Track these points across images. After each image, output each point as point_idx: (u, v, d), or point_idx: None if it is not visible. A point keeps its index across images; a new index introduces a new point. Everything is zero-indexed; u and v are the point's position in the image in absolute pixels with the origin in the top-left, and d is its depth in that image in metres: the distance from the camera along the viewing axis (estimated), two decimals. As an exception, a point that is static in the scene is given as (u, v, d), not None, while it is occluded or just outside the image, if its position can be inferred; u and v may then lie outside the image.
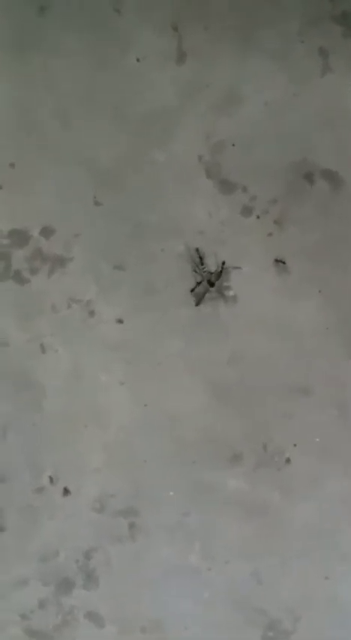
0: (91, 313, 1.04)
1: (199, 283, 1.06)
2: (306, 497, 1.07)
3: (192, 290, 1.07)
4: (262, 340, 1.09)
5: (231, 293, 1.10)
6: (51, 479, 1.00)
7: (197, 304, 1.05)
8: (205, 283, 1.05)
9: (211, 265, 1.09)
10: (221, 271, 1.07)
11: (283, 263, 1.08)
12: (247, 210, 1.12)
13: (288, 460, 1.07)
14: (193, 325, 1.08)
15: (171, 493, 1.02)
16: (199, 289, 1.06)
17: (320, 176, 1.15)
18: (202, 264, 1.06)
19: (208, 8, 1.15)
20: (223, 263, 1.07)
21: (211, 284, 1.05)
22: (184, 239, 1.09)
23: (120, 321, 1.05)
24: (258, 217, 1.12)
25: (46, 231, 1.05)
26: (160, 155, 1.10)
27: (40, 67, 1.07)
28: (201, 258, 1.07)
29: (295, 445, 1.07)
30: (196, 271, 1.07)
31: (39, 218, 1.05)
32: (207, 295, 1.08)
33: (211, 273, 1.06)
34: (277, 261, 1.10)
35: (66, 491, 1.01)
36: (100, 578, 1.01)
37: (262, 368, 1.09)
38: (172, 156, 1.11)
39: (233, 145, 1.14)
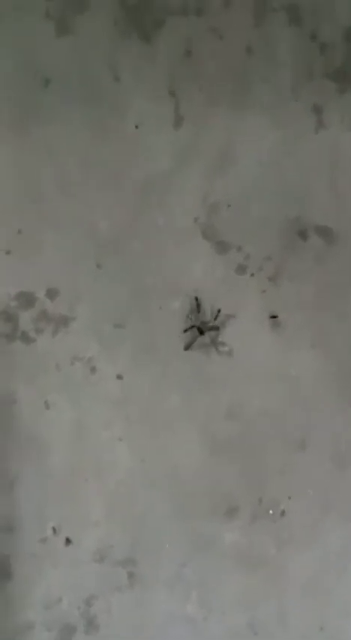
0: (93, 370, 1.11)
1: (191, 327, 1.10)
2: (302, 549, 1.10)
3: (184, 331, 1.11)
4: (258, 395, 1.14)
5: (226, 348, 1.14)
6: (54, 530, 1.07)
7: (186, 349, 1.10)
8: (195, 330, 1.10)
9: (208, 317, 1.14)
10: (216, 318, 1.12)
11: (276, 317, 1.13)
12: (241, 269, 1.17)
13: (283, 512, 1.10)
14: (190, 380, 1.13)
15: (167, 545, 1.07)
16: (191, 336, 1.11)
17: (314, 232, 1.20)
18: (199, 311, 1.11)
19: (203, 70, 1.21)
20: (219, 311, 1.11)
21: (201, 332, 1.10)
22: (181, 297, 1.14)
23: (120, 377, 1.11)
24: (252, 275, 1.17)
25: (51, 293, 1.12)
26: (158, 219, 1.17)
27: (43, 138, 1.14)
28: (198, 306, 1.12)
29: (289, 498, 1.11)
30: (189, 317, 1.12)
31: (44, 281, 1.12)
32: (203, 348, 1.13)
33: (204, 323, 1.10)
34: (271, 317, 1.14)
35: (68, 542, 1.07)
36: (101, 625, 1.06)
37: (258, 422, 1.14)
38: (170, 219, 1.17)
39: (229, 205, 1.19)
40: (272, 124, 1.22)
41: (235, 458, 1.10)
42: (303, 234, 1.19)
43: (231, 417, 1.12)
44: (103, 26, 1.20)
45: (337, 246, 1.19)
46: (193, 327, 1.10)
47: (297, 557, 1.08)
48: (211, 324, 1.11)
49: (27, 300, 1.11)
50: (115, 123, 1.19)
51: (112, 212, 1.15)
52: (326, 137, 1.23)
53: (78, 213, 1.15)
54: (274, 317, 1.14)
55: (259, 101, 1.22)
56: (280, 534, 1.08)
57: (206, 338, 1.13)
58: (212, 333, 1.13)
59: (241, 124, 1.21)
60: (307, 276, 1.18)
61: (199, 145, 1.20)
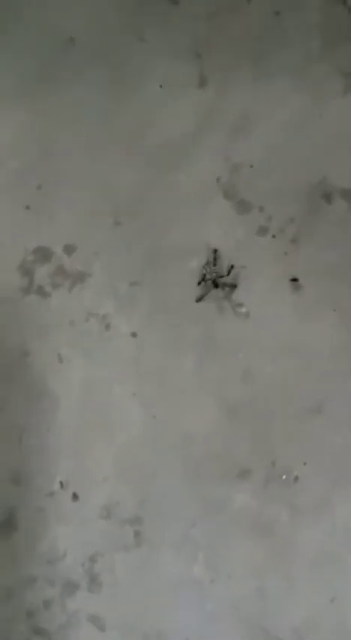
0: (107, 327, 1.09)
1: (204, 279, 1.08)
2: (314, 518, 1.06)
3: (198, 283, 1.09)
4: (275, 359, 1.11)
5: (243, 310, 1.11)
6: (61, 484, 1.05)
7: (198, 301, 1.08)
8: (210, 283, 1.07)
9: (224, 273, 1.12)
10: (229, 272, 1.09)
11: (296, 280, 1.09)
12: (262, 230, 1.14)
13: (297, 478, 1.06)
14: (205, 341, 1.11)
15: (176, 506, 1.04)
16: (205, 288, 1.08)
17: (339, 196, 1.16)
18: (215, 264, 1.09)
19: (230, 32, 1.19)
20: (232, 266, 1.09)
21: (215, 285, 1.07)
22: (199, 257, 1.12)
23: (134, 335, 1.09)
24: (274, 236, 1.14)
25: (69, 249, 1.11)
26: (178, 178, 1.15)
27: (66, 97, 1.14)
28: (215, 259, 1.09)
29: (305, 464, 1.07)
30: (205, 269, 1.09)
31: (62, 237, 1.11)
32: (219, 309, 1.11)
33: (220, 276, 1.08)
34: (291, 280, 1.11)
35: (75, 497, 1.05)
36: (104, 583, 1.04)
37: (274, 386, 1.10)
38: (191, 178, 1.15)
39: (251, 166, 1.17)
40: (298, 86, 1.20)
41: (249, 421, 1.07)
42: (327, 197, 1.16)
43: (245, 380, 1.09)
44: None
45: (363, 210, 1.15)
46: (207, 279, 1.07)
47: (309, 526, 1.04)
48: (226, 280, 1.08)
49: (44, 254, 1.11)
50: (139, 83, 1.18)
51: (132, 170, 1.14)
52: (353, 101, 1.20)
53: (98, 171, 1.14)
54: (294, 280, 1.11)
55: (285, 63, 1.20)
56: (293, 501, 1.04)
57: (224, 300, 1.10)
58: (228, 291, 1.10)
59: (266, 86, 1.19)
60: (331, 240, 1.14)
61: (223, 106, 1.18)
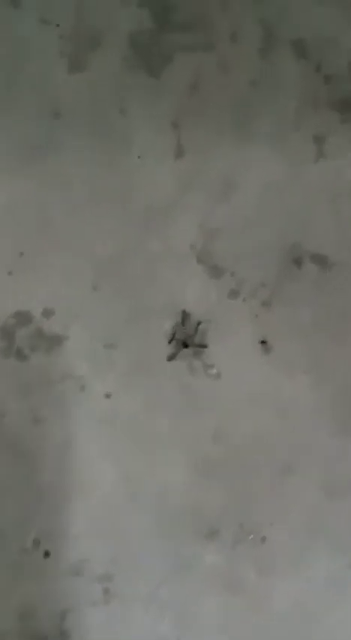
0: (82, 388, 1.15)
1: (174, 337, 1.12)
2: (284, 578, 1.08)
3: (169, 342, 1.13)
4: (247, 419, 1.14)
5: (214, 371, 1.15)
6: (34, 541, 1.10)
7: (169, 359, 1.12)
8: (179, 343, 1.12)
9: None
10: (196, 330, 1.13)
11: (265, 343, 1.13)
12: (234, 293, 1.19)
13: (264, 539, 1.09)
14: (178, 402, 1.15)
15: (145, 563, 1.08)
16: (175, 347, 1.13)
17: (310, 260, 1.20)
18: (184, 325, 1.13)
19: (208, 103, 1.25)
20: (199, 323, 1.13)
21: (185, 345, 1.11)
22: (172, 319, 1.17)
23: (108, 396, 1.14)
24: (244, 300, 1.18)
25: (47, 313, 1.17)
26: (155, 243, 1.20)
27: (51, 167, 1.21)
28: (184, 320, 1.14)
29: (272, 524, 1.09)
30: (175, 329, 1.14)
31: (42, 300, 1.17)
32: (192, 370, 1.15)
33: (190, 336, 1.12)
34: (261, 342, 1.15)
35: (47, 554, 1.10)
36: (73, 639, 1.08)
37: (245, 445, 1.13)
38: (167, 244, 1.21)
39: (225, 232, 1.21)
40: (273, 153, 1.24)
41: (220, 481, 1.11)
42: (298, 262, 1.20)
43: (218, 439, 1.12)
44: (113, 62, 1.27)
45: (332, 274, 1.19)
46: (175, 338, 1.12)
47: (278, 585, 1.06)
48: (196, 340, 1.13)
49: (24, 318, 1.17)
50: (120, 154, 1.24)
51: (111, 237, 1.20)
52: (326, 166, 1.24)
53: (79, 237, 1.20)
54: (263, 342, 1.15)
55: (261, 132, 1.25)
56: (261, 561, 1.06)
57: (195, 360, 1.15)
58: (201, 353, 1.14)
59: (242, 154, 1.24)
60: (301, 303, 1.18)
61: (200, 175, 1.24)
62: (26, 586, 1.08)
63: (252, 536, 1.09)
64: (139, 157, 1.24)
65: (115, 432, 1.13)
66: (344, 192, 1.24)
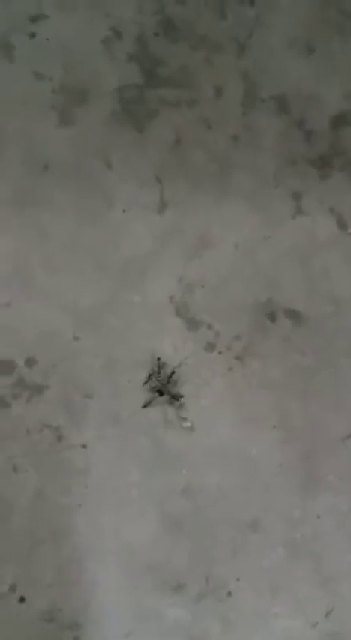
0: (60, 438, 1.19)
1: (147, 382, 1.16)
2: (247, 632, 1.10)
3: (144, 383, 1.18)
4: (216, 473, 1.17)
5: (188, 424, 1.18)
6: (11, 586, 1.14)
7: (144, 407, 1.16)
8: (154, 391, 1.15)
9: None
10: (169, 378, 1.17)
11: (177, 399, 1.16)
12: (210, 346, 1.22)
13: (229, 593, 1.11)
14: (151, 455, 1.18)
15: (112, 614, 1.11)
16: (150, 395, 1.16)
17: (283, 315, 1.23)
18: (159, 373, 1.17)
19: (190, 158, 1.29)
20: (173, 372, 1.16)
21: (160, 393, 1.15)
22: (149, 370, 1.20)
23: (84, 447, 1.18)
24: (220, 353, 1.21)
25: (30, 362, 1.21)
26: (135, 297, 1.24)
27: (36, 219, 1.26)
28: (159, 368, 1.17)
29: (238, 579, 1.12)
30: (150, 377, 1.17)
31: (25, 351, 1.22)
32: (166, 422, 1.18)
33: (164, 385, 1.16)
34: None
35: (22, 600, 1.13)
36: None
37: (213, 501, 1.16)
38: (147, 297, 1.24)
39: (202, 286, 1.25)
40: (251, 209, 1.28)
41: (187, 535, 1.13)
42: (272, 316, 1.22)
43: (187, 494, 1.15)
44: (100, 117, 1.32)
45: (305, 329, 1.21)
46: (152, 387, 1.15)
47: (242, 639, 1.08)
48: (170, 389, 1.16)
49: (7, 367, 1.22)
50: (104, 208, 1.29)
51: (93, 289, 1.25)
52: (303, 222, 1.27)
53: (62, 289, 1.25)
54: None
55: (240, 187, 1.29)
56: (226, 615, 1.09)
57: (169, 411, 1.18)
58: (176, 404, 1.17)
59: (221, 210, 1.27)
60: (274, 357, 1.21)
61: (180, 230, 1.27)
62: (1, 631, 1.12)
63: (217, 591, 1.11)
64: (123, 210, 1.28)
65: (89, 483, 1.17)
66: (317, 248, 1.27)
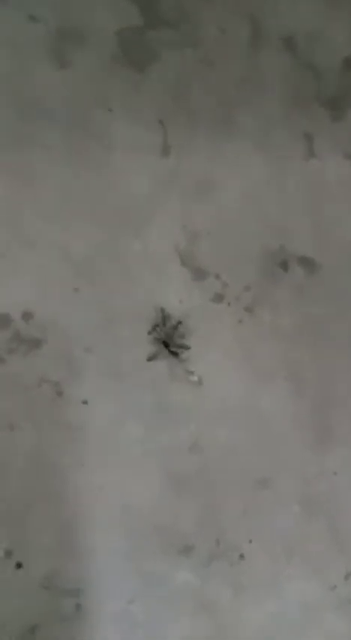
0: (59, 394, 1.11)
1: (152, 332, 1.08)
2: (260, 597, 1.03)
3: (148, 333, 1.10)
4: (225, 429, 1.10)
5: (195, 378, 1.11)
6: (6, 552, 1.06)
7: (149, 360, 1.08)
8: (159, 343, 1.08)
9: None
10: (175, 328, 1.09)
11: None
12: (218, 297, 1.14)
13: (242, 556, 1.04)
14: (156, 410, 1.11)
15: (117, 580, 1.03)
16: (154, 348, 1.09)
17: (297, 263, 1.15)
18: (165, 324, 1.09)
19: (194, 100, 1.22)
20: (179, 322, 1.09)
21: (166, 345, 1.07)
22: (153, 323, 1.13)
23: (85, 403, 1.10)
24: (229, 304, 1.14)
25: (26, 316, 1.13)
26: (137, 245, 1.16)
27: (26, 164, 1.17)
28: (164, 319, 1.10)
29: (250, 541, 1.04)
30: (155, 328, 1.09)
31: (21, 304, 1.14)
32: (171, 376, 1.11)
33: (170, 336, 1.08)
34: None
35: (19, 566, 1.06)
36: (42, 656, 1.04)
37: (222, 457, 1.09)
38: (149, 245, 1.17)
39: (208, 233, 1.17)
40: (259, 153, 1.21)
41: (195, 495, 1.06)
42: (284, 265, 1.15)
43: (194, 450, 1.08)
44: (99, 60, 1.23)
45: (318, 277, 1.14)
46: (157, 339, 1.07)
47: (253, 605, 1.01)
48: (177, 340, 1.08)
49: (2, 321, 1.14)
50: (104, 152, 1.20)
51: (92, 239, 1.17)
52: (314, 166, 1.19)
53: (58, 238, 1.17)
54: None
55: (246, 129, 1.21)
56: (237, 579, 1.01)
57: (176, 366, 1.10)
58: (182, 358, 1.09)
59: (227, 154, 1.20)
60: (286, 308, 1.13)
61: (184, 174, 1.19)
62: (-4, 598, 1.04)
63: (229, 553, 1.03)
64: (124, 153, 1.20)
65: (91, 442, 1.09)
66: (330, 193, 1.19)
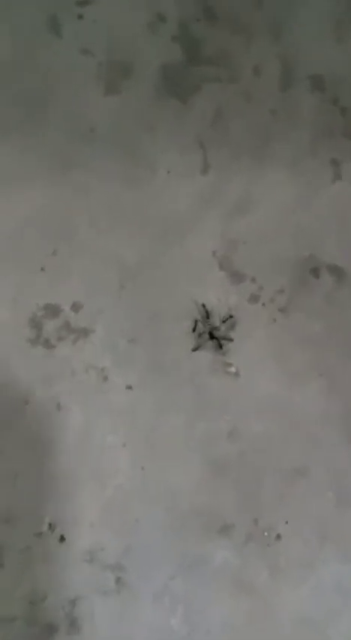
0: (105, 379, 1.18)
1: (195, 328, 1.17)
2: (296, 579, 1.08)
3: (193, 330, 1.19)
4: (261, 420, 1.17)
5: (233, 369, 1.19)
6: (50, 525, 1.10)
7: (194, 350, 1.16)
8: (205, 335, 1.15)
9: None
10: (225, 321, 1.18)
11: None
12: (254, 298, 1.24)
13: (279, 536, 1.09)
14: (196, 400, 1.18)
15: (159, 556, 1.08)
16: (200, 340, 1.16)
17: (327, 271, 1.26)
18: (208, 317, 1.18)
19: (231, 127, 1.35)
20: (230, 316, 1.17)
21: (212, 336, 1.15)
22: (193, 320, 1.22)
23: (129, 388, 1.17)
24: (264, 305, 1.24)
25: (76, 307, 1.22)
26: (179, 250, 1.27)
27: (84, 179, 1.29)
28: (207, 312, 1.18)
29: (287, 522, 1.10)
30: (197, 322, 1.18)
31: (71, 296, 1.23)
32: (210, 370, 1.19)
33: (215, 328, 1.16)
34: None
35: (62, 539, 1.10)
36: (83, 628, 1.06)
37: (261, 446, 1.16)
38: (190, 251, 1.27)
39: (244, 242, 1.28)
40: (291, 175, 1.33)
41: (234, 479, 1.12)
42: (316, 272, 1.26)
43: (232, 438, 1.14)
44: (145, 89, 1.38)
45: (347, 285, 1.24)
46: (202, 332, 1.16)
47: (290, 586, 1.06)
48: (224, 334, 1.17)
49: (53, 311, 1.22)
50: (149, 169, 1.33)
51: (138, 243, 1.27)
52: (342, 187, 1.33)
53: (107, 243, 1.27)
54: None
55: (279, 155, 1.35)
56: (274, 560, 1.07)
57: (216, 361, 1.19)
58: (221, 350, 1.18)
59: (262, 175, 1.33)
60: (317, 311, 1.23)
61: (223, 191, 1.31)
62: (39, 571, 1.08)
63: (267, 533, 1.09)
64: (168, 172, 1.32)
65: (134, 425, 1.15)
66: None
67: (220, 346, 1.16)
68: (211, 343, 1.17)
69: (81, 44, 1.37)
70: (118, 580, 1.07)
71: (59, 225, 1.28)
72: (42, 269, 1.25)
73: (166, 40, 1.42)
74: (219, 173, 1.32)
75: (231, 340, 1.17)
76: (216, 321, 1.19)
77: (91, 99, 1.37)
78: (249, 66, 1.43)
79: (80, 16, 1.35)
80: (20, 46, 1.36)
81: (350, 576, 1.07)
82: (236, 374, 1.18)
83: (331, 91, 1.41)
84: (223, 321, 1.16)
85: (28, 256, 1.26)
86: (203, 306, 1.19)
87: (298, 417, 1.16)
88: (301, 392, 1.17)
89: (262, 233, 1.28)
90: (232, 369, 1.18)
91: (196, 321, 1.18)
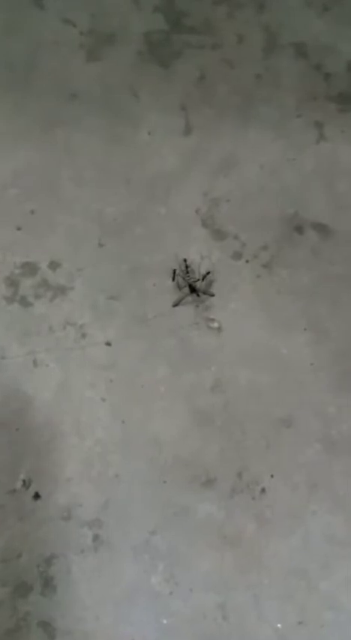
0: (83, 335, 1.14)
1: (181, 288, 1.15)
2: (282, 531, 1.03)
3: (173, 279, 1.16)
4: (246, 371, 1.13)
5: (216, 324, 1.16)
6: (24, 482, 1.05)
7: (174, 305, 1.13)
8: (186, 289, 1.12)
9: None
10: (204, 278, 1.15)
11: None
12: (237, 255, 1.21)
13: (263, 490, 1.05)
14: (178, 354, 1.14)
15: (139, 511, 1.03)
16: (180, 294, 1.13)
17: (310, 227, 1.24)
18: (187, 272, 1.14)
19: (214, 91, 1.34)
20: (208, 272, 1.14)
21: (192, 289, 1.12)
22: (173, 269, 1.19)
23: (108, 344, 1.13)
24: (247, 261, 1.21)
25: (54, 265, 1.19)
26: (160, 208, 1.25)
27: (65, 140, 1.27)
28: (187, 267, 1.15)
29: (272, 476, 1.06)
30: (180, 277, 1.15)
31: (49, 254, 1.19)
32: (193, 324, 1.15)
33: (195, 281, 1.13)
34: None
35: (37, 496, 1.04)
36: (58, 587, 1.00)
37: (245, 397, 1.12)
38: (172, 209, 1.25)
39: (228, 200, 1.26)
40: (275, 136, 1.32)
41: (218, 431, 1.08)
42: (299, 229, 1.24)
43: (216, 390, 1.11)
44: (127, 55, 1.37)
45: (332, 241, 1.22)
46: (182, 286, 1.12)
47: (276, 539, 1.01)
48: (206, 289, 1.14)
49: (31, 269, 1.19)
50: (130, 131, 1.31)
51: (119, 201, 1.25)
52: (326, 147, 1.31)
53: (87, 200, 1.25)
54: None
55: (263, 117, 1.33)
56: (259, 513, 1.02)
57: (197, 315, 1.15)
58: (203, 306, 1.15)
59: (246, 135, 1.31)
60: (301, 266, 1.20)
61: (205, 151, 1.30)
62: (12, 528, 1.02)
63: (251, 485, 1.04)
64: (149, 133, 1.31)
65: (114, 379, 1.11)
66: (341, 171, 1.30)
67: (198, 295, 1.12)
68: (193, 302, 1.13)
69: (63, 15, 1.36)
70: (95, 537, 1.02)
71: (39, 183, 1.25)
72: (18, 228, 1.22)
73: (148, 11, 1.42)
74: (202, 134, 1.31)
75: (212, 295, 1.14)
76: (197, 276, 1.15)
77: (74, 65, 1.37)
78: (233, 34, 1.42)
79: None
80: (6, 17, 1.35)
81: (340, 526, 1.02)
82: (219, 328, 1.14)
83: (314, 58, 1.40)
84: (202, 279, 1.13)
85: (6, 216, 1.23)
86: (185, 260, 1.15)
87: (284, 367, 1.12)
88: (287, 344, 1.13)
89: (246, 192, 1.26)
90: (215, 324, 1.14)
91: (174, 271, 1.14)
